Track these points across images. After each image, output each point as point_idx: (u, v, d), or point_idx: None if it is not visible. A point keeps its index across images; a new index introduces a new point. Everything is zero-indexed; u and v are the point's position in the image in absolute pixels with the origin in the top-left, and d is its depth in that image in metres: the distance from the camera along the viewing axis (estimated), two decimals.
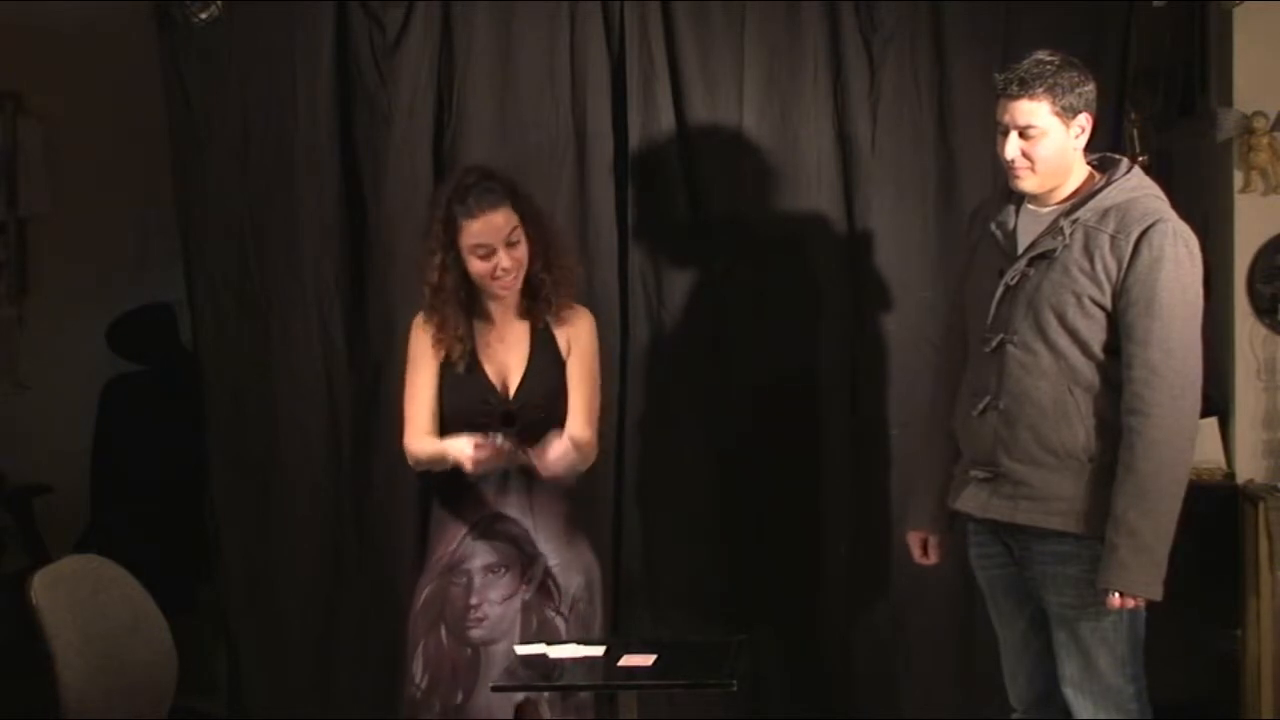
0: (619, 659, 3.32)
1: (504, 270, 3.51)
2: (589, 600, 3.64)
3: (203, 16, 4.26)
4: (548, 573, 3.57)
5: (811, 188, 4.32)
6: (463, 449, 3.42)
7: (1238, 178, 4.46)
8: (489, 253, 3.50)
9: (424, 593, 3.60)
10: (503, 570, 3.53)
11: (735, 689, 3.15)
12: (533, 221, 3.58)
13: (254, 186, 4.37)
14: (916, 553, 3.70)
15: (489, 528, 3.54)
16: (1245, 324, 4.47)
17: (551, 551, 3.57)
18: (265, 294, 4.38)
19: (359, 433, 4.38)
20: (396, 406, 3.71)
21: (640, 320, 4.36)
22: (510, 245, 3.51)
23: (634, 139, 4.32)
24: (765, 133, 4.32)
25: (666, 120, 4.32)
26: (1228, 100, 4.47)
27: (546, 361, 3.60)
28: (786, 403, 4.36)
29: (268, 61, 4.35)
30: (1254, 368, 4.47)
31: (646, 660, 3.28)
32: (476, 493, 3.54)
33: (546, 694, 3.45)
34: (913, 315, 4.30)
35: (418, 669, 3.54)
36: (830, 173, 4.31)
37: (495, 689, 3.31)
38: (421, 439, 3.58)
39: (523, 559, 3.55)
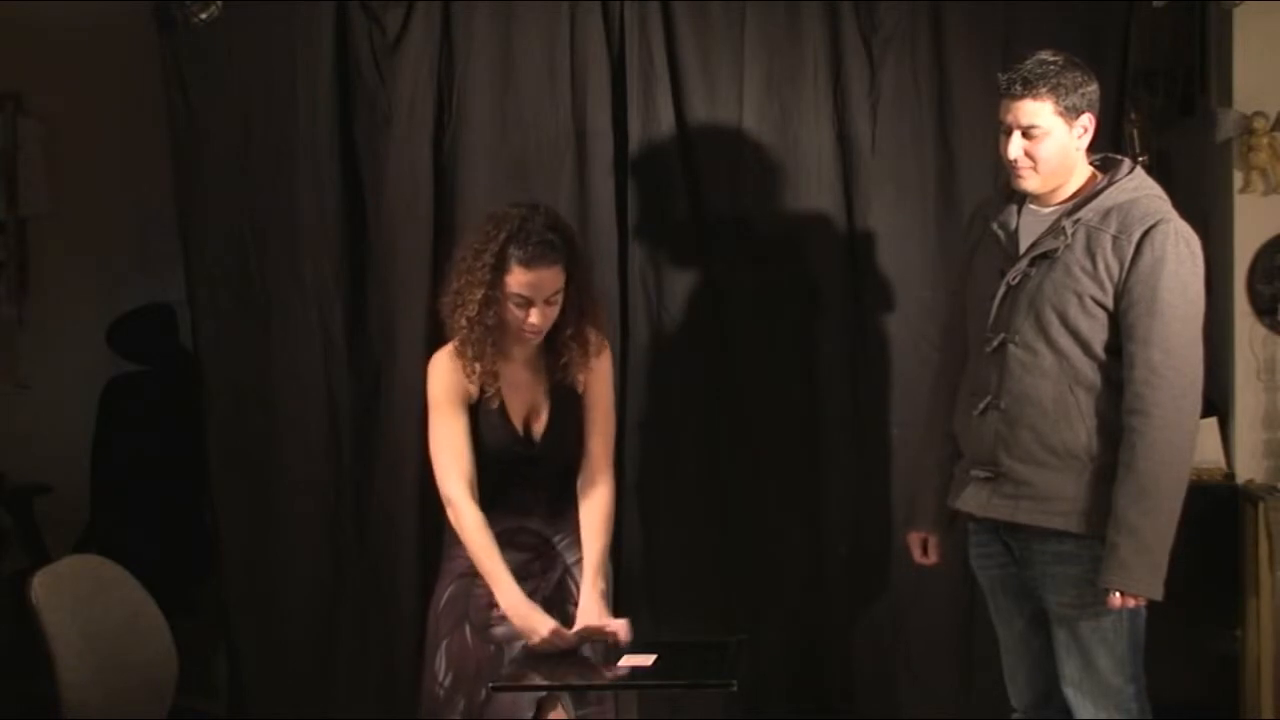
0: (619, 659, 3.32)
1: (533, 325, 3.43)
2: (604, 594, 3.64)
3: (203, 16, 4.25)
4: (567, 570, 3.57)
5: (811, 188, 4.32)
6: (537, 628, 3.37)
7: (1238, 178, 4.47)
8: (525, 304, 3.42)
9: (445, 593, 3.56)
10: (524, 570, 3.53)
11: (735, 689, 3.15)
12: (577, 284, 3.50)
13: (254, 186, 4.37)
14: (916, 553, 3.70)
15: (511, 539, 3.52)
16: (1245, 324, 4.48)
17: (569, 549, 3.57)
18: (265, 294, 4.38)
19: (359, 433, 4.38)
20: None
21: (640, 320, 4.36)
22: (547, 304, 3.44)
23: (634, 139, 4.32)
24: (765, 133, 4.32)
25: (666, 120, 4.32)
26: (1228, 100, 4.47)
27: (567, 402, 3.56)
28: (786, 402, 4.37)
29: (268, 61, 4.35)
30: (1254, 368, 4.48)
31: (646, 660, 3.27)
32: (499, 506, 3.52)
33: (566, 693, 3.45)
34: (913, 315, 4.30)
35: (441, 667, 3.51)
36: (830, 173, 4.32)
37: (495, 689, 3.31)
38: (474, 520, 3.43)
39: (542, 559, 3.55)
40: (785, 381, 4.36)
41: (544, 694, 3.42)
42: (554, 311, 3.48)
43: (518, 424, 3.53)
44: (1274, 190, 4.45)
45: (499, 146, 4.31)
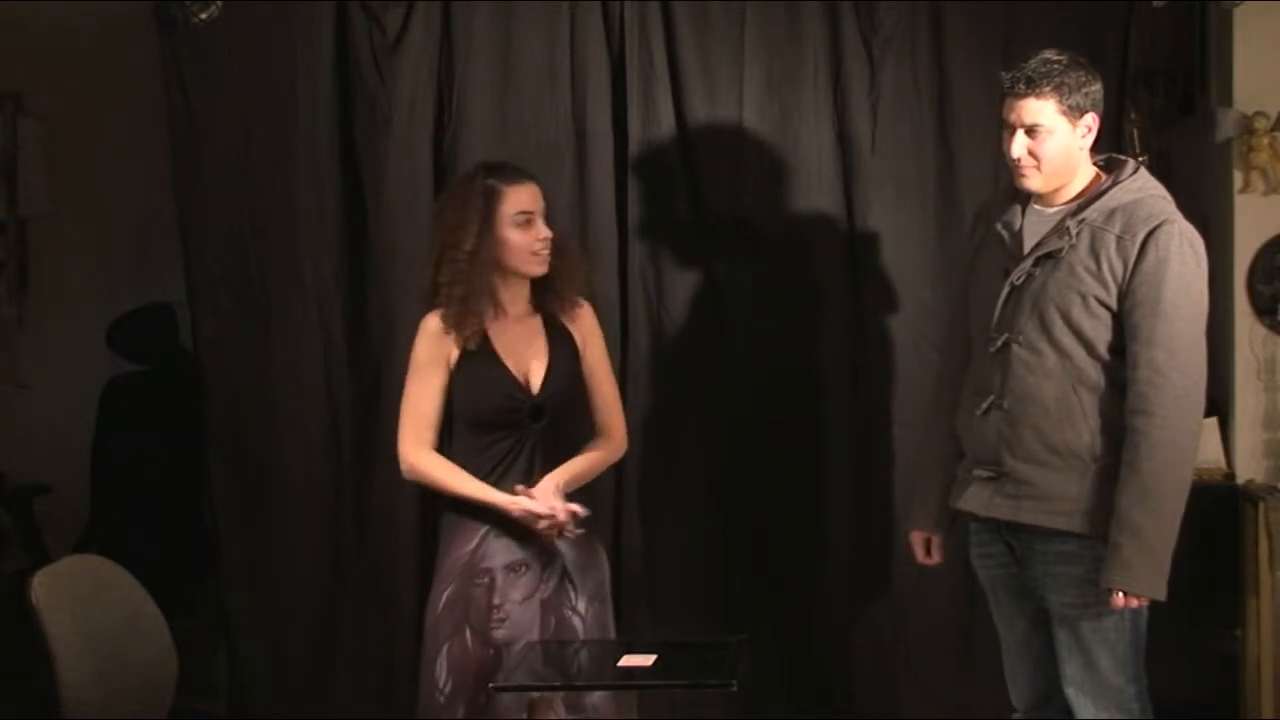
0: (619, 659, 3.32)
1: (546, 240, 3.52)
2: (602, 600, 3.64)
3: (203, 16, 4.25)
4: (565, 571, 3.56)
5: (811, 188, 4.32)
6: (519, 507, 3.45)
7: (1238, 178, 4.47)
8: (529, 221, 3.51)
9: (444, 595, 3.54)
10: (523, 569, 3.52)
11: (735, 689, 3.15)
12: (549, 210, 3.63)
13: (254, 186, 4.37)
14: (919, 553, 3.69)
15: (511, 525, 3.52)
16: (1245, 324, 4.48)
17: (568, 549, 3.57)
18: (265, 294, 4.38)
19: (359, 433, 4.37)
20: (399, 411, 3.68)
21: (640, 320, 4.36)
22: (547, 220, 3.56)
23: (634, 139, 4.32)
24: (765, 133, 4.32)
25: (666, 120, 4.32)
26: (1228, 100, 4.47)
27: (565, 355, 3.60)
28: (786, 402, 4.37)
29: (268, 61, 4.35)
30: (1254, 368, 4.48)
31: (646, 660, 3.27)
32: (502, 487, 3.51)
33: (562, 694, 3.44)
34: (913, 315, 4.30)
35: (442, 673, 3.49)
36: (830, 173, 4.32)
37: (495, 689, 3.30)
38: (434, 458, 3.54)
39: (542, 556, 3.54)
40: (785, 381, 4.36)
41: (539, 696, 3.41)
42: (553, 232, 3.56)
43: (515, 373, 3.54)
44: (1274, 190, 4.45)
45: (499, 146, 4.30)
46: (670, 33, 4.31)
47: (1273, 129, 4.42)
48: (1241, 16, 4.43)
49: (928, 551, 3.68)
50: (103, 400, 5.58)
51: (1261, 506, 4.27)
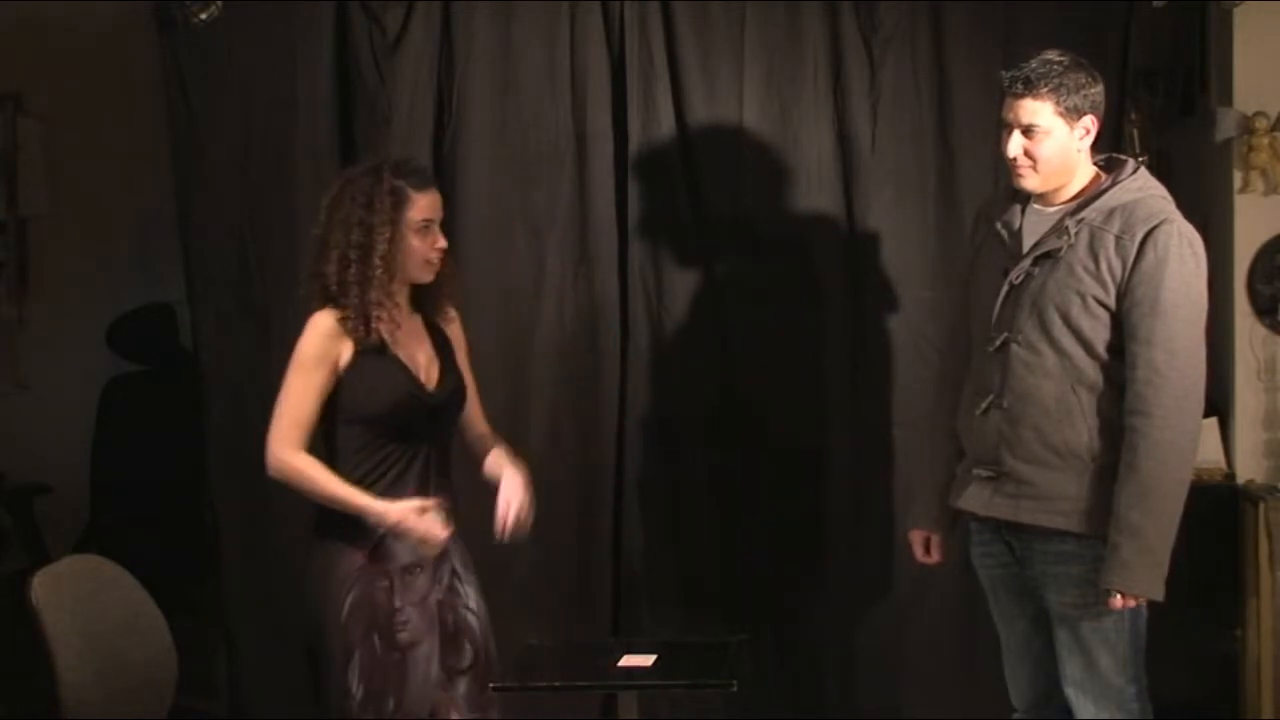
0: (619, 659, 3.32)
1: (441, 248, 3.45)
2: (483, 596, 3.59)
3: (203, 16, 4.26)
4: (455, 573, 3.51)
5: (811, 187, 4.33)
6: (429, 528, 3.36)
7: (1238, 178, 4.47)
8: (429, 228, 3.43)
9: (348, 599, 3.43)
10: (418, 571, 3.46)
11: (735, 689, 3.15)
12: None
13: (254, 187, 4.37)
14: (919, 552, 3.69)
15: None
16: (1245, 324, 4.48)
17: (454, 547, 3.51)
18: (265, 294, 4.38)
19: None
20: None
21: (640, 320, 4.36)
22: (441, 228, 3.48)
23: (634, 139, 4.32)
24: (765, 133, 4.32)
25: (666, 120, 4.32)
26: (1228, 100, 4.47)
27: (452, 357, 3.57)
28: (786, 402, 4.37)
29: (268, 61, 4.35)
30: (1254, 368, 4.48)
31: (646, 660, 3.27)
32: (397, 492, 3.43)
33: (463, 693, 3.41)
34: (913, 315, 4.30)
35: (353, 680, 3.41)
36: (830, 173, 4.32)
37: (495, 689, 3.30)
38: (307, 459, 3.41)
39: (435, 560, 3.48)
40: (785, 381, 4.36)
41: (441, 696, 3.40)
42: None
43: (414, 372, 3.47)
44: (1274, 190, 4.45)
45: (499, 147, 4.31)
46: (670, 33, 4.31)
47: (1273, 129, 4.42)
48: (1241, 16, 4.43)
49: (927, 550, 3.68)
50: (103, 400, 5.58)
51: (1261, 506, 4.27)
